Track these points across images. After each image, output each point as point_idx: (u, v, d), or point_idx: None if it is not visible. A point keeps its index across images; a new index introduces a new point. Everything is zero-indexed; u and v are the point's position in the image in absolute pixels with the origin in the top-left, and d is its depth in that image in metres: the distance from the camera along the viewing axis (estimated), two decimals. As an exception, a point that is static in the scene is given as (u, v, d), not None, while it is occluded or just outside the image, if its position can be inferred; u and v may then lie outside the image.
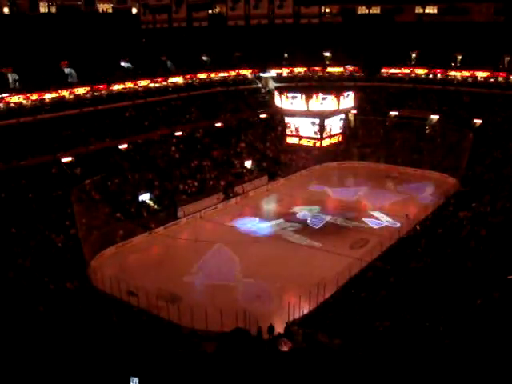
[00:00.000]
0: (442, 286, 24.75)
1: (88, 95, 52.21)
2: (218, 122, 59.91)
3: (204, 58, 67.53)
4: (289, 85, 64.37)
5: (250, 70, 69.57)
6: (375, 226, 42.41)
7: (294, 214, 45.72)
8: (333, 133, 38.41)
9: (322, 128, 36.90)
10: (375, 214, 44.80)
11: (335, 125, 38.25)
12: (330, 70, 70.93)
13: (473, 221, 34.33)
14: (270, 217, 45.54)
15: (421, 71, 67.31)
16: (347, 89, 40.62)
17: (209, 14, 57.94)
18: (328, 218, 44.44)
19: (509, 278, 21.76)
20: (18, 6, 60.81)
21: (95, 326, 23.11)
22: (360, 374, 12.53)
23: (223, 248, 38.62)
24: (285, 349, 16.60)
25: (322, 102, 35.60)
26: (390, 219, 43.23)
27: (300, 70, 71.16)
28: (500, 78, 62.06)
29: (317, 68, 71.02)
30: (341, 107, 36.35)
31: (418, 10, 68.23)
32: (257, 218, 45.05)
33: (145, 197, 44.53)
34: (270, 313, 28.40)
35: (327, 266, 33.67)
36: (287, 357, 14.02)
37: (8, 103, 46.24)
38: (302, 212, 45.85)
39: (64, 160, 44.59)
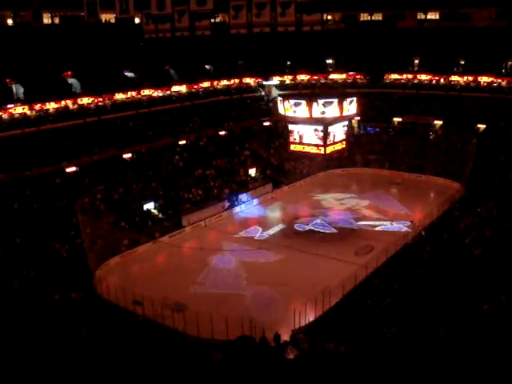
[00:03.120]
0: (448, 292, 24.63)
1: (92, 105, 52.45)
2: (222, 130, 59.95)
3: (207, 66, 67.67)
4: (292, 92, 64.49)
5: (253, 78, 69.75)
6: (380, 230, 42.45)
7: (299, 221, 45.68)
8: (336, 140, 38.39)
9: (325, 135, 36.89)
10: (380, 221, 44.78)
11: (339, 131, 38.22)
12: (332, 76, 71.05)
13: (478, 226, 34.19)
14: (275, 224, 45.47)
15: (423, 77, 67.40)
16: (350, 95, 40.64)
17: (211, 23, 58.08)
18: (332, 224, 44.43)
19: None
20: (21, 18, 61.20)
21: (101, 335, 23.06)
22: (367, 381, 12.43)
23: (228, 256, 38.62)
24: (291, 356, 16.46)
25: (325, 111, 35.62)
26: (394, 225, 43.18)
27: (303, 77, 71.30)
28: (503, 83, 62.04)
29: (319, 75, 71.18)
30: (344, 114, 36.37)
31: (420, 16, 68.35)
32: (261, 226, 45.00)
33: (149, 206, 44.57)
34: (276, 321, 28.29)
35: (332, 273, 33.60)
36: (293, 364, 13.91)
37: (12, 114, 46.47)
38: (307, 219, 45.83)
39: (68, 170, 44.72)
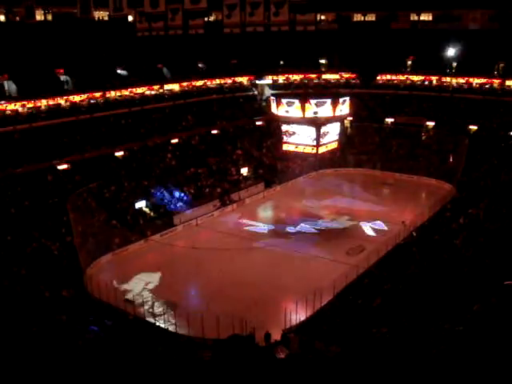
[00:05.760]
0: (438, 292, 24.72)
1: (84, 103, 52.21)
2: (214, 129, 59.90)
3: (200, 65, 67.59)
4: (285, 92, 64.55)
5: (246, 77, 69.71)
6: (371, 233, 42.51)
7: (290, 220, 45.70)
8: (329, 140, 38.45)
9: (318, 135, 36.93)
10: (371, 221, 44.82)
11: (331, 132, 38.29)
12: (325, 76, 71.16)
13: (469, 227, 34.36)
14: (266, 223, 45.45)
15: (416, 78, 67.64)
16: (343, 95, 40.71)
17: (205, 22, 57.93)
18: (324, 224, 44.49)
19: (506, 283, 21.73)
20: (14, 14, 60.86)
21: (91, 333, 23.02)
22: (357, 381, 12.47)
23: (219, 255, 38.54)
24: (281, 356, 16.49)
25: (318, 111, 35.65)
26: (385, 227, 43.21)
27: (296, 77, 71.38)
28: (495, 85, 62.37)
29: (313, 75, 71.30)
30: (337, 114, 36.43)
31: (413, 17, 68.50)
32: (253, 225, 44.99)
33: (141, 204, 44.46)
34: (267, 320, 28.28)
35: (324, 273, 33.65)
36: (284, 364, 13.93)
37: (4, 110, 46.18)
38: (298, 219, 45.84)
39: (60, 167, 44.51)
